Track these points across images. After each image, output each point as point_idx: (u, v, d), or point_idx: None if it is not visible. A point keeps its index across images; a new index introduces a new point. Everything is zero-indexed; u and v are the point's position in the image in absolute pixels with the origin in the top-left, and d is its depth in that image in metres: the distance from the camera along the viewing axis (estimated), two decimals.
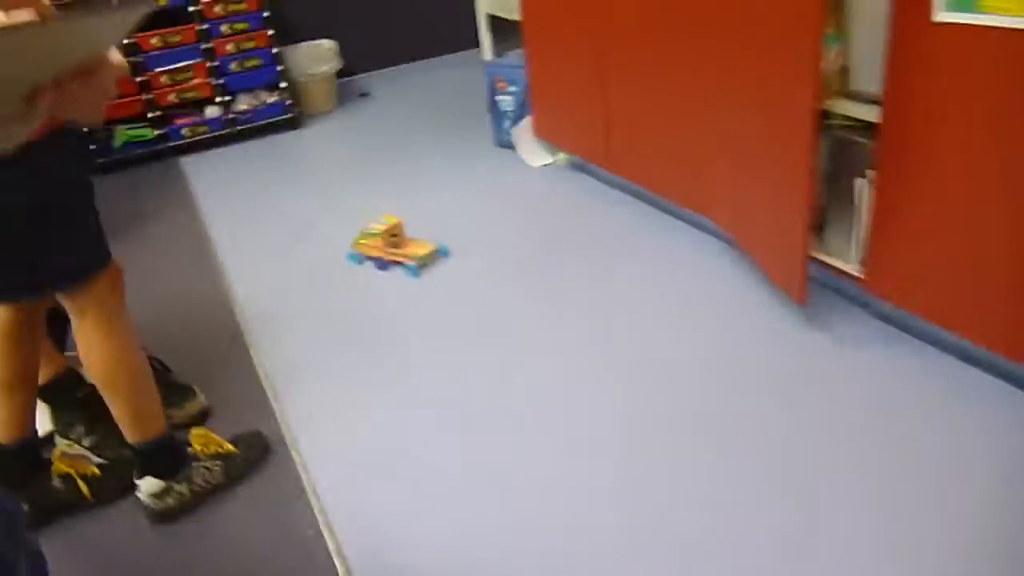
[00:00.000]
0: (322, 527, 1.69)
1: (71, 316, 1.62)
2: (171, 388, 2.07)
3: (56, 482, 1.76)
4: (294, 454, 1.91)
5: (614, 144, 2.84)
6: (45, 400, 1.96)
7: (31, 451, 1.75)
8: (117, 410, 1.69)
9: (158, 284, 2.85)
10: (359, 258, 2.77)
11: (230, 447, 1.85)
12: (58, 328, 1.98)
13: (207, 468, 1.80)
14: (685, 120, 2.46)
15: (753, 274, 2.38)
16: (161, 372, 2.11)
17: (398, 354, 2.25)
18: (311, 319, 2.49)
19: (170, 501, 1.75)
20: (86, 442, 1.96)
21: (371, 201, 3.27)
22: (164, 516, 1.76)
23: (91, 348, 1.62)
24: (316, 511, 1.73)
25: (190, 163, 4.04)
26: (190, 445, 1.82)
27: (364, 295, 2.59)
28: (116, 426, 1.97)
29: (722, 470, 1.72)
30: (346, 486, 1.80)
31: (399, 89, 4.63)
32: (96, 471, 1.83)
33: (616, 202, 2.98)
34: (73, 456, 1.80)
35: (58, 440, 1.98)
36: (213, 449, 1.83)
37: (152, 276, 2.92)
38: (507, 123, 3.50)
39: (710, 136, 2.36)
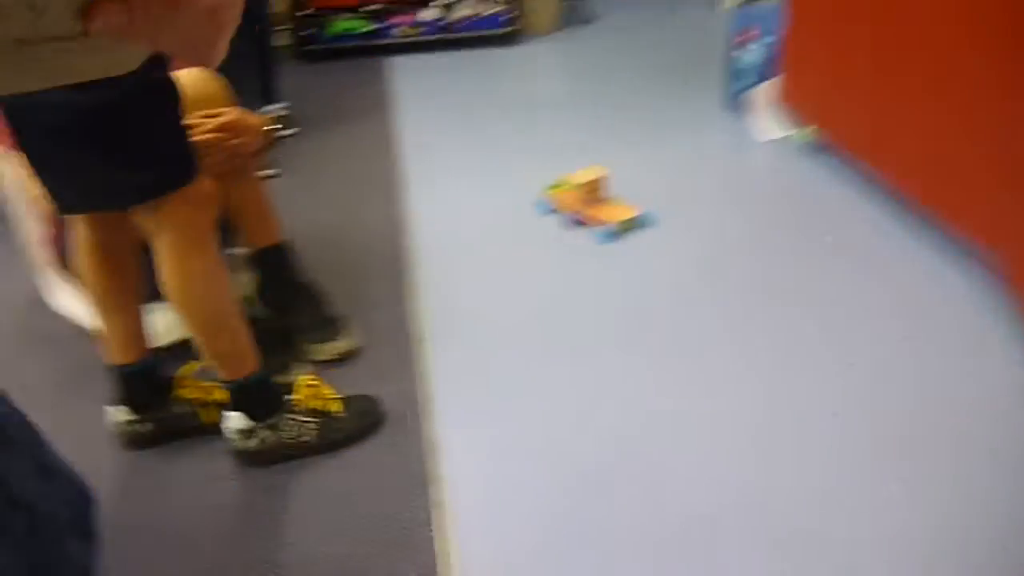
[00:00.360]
0: (433, 522, 1.45)
1: (148, 239, 1.42)
2: (321, 321, 1.89)
3: (177, 407, 1.62)
4: (425, 426, 1.67)
5: (878, 131, 2.35)
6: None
7: (148, 373, 1.60)
8: (197, 343, 1.50)
9: (333, 192, 2.69)
10: (549, 208, 2.47)
11: (337, 408, 1.63)
12: None
13: (301, 423, 1.59)
14: (978, 130, 1.94)
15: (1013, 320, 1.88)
16: (314, 300, 1.92)
17: (569, 330, 1.95)
18: (485, 269, 2.23)
19: (252, 444, 1.56)
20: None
21: (575, 143, 2.95)
22: (246, 457, 1.59)
23: (165, 273, 1.41)
24: (432, 504, 1.49)
25: (397, 65, 3.86)
26: (292, 393, 1.61)
27: (547, 252, 2.30)
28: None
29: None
30: (476, 480, 1.55)
31: (628, 22, 4.21)
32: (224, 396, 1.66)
33: (857, 197, 2.49)
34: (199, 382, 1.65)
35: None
36: (316, 404, 1.61)
37: (328, 183, 2.76)
38: (744, 82, 3.04)
39: (1005, 158, 1.84)
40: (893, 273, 2.13)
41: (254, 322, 1.86)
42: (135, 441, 1.64)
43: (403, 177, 2.74)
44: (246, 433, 1.55)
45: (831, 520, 1.43)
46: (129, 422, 1.62)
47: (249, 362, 1.53)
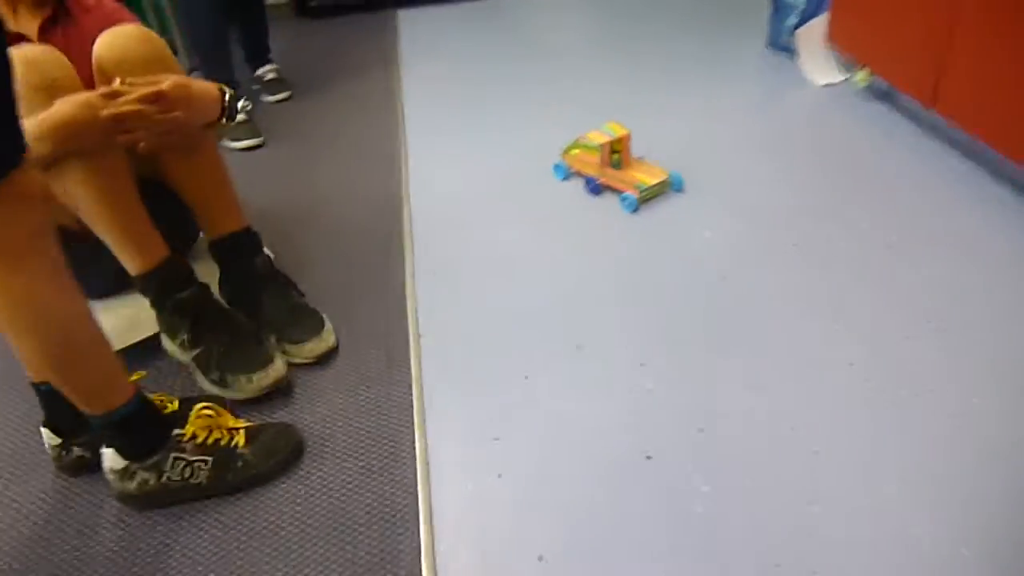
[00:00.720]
0: (423, 545, 1.18)
1: None
2: (293, 317, 1.61)
3: None
4: (418, 443, 1.39)
5: (949, 77, 1.98)
6: (143, 293, 1.56)
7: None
8: (45, 375, 1.22)
9: (324, 163, 2.40)
10: (566, 171, 2.15)
11: (241, 441, 1.34)
12: (163, 208, 1.54)
13: (190, 462, 1.29)
14: None
15: None
16: (284, 294, 1.65)
17: (589, 320, 1.65)
18: (494, 247, 1.92)
19: (131, 486, 1.28)
20: (186, 357, 1.55)
21: (598, 97, 2.62)
22: (127, 500, 1.31)
23: None
24: (423, 546, 1.21)
25: (406, 18, 3.54)
26: (184, 423, 1.32)
27: (564, 224, 1.98)
28: (230, 341, 1.55)
29: None
30: (476, 511, 1.27)
31: None
32: (175, 407, 1.39)
33: (927, 151, 2.13)
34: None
35: (164, 342, 1.59)
36: (214, 438, 1.32)
37: (319, 153, 2.47)
38: (792, 19, 2.67)
39: None
40: (975, 245, 1.78)
41: (223, 316, 1.62)
42: (66, 468, 1.39)
43: (405, 144, 2.44)
44: (123, 473, 1.27)
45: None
46: (55, 446, 1.37)
47: (118, 393, 1.23)
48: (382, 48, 3.21)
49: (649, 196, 2.01)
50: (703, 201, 2.01)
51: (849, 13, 2.37)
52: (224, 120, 1.54)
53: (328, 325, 1.63)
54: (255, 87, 2.87)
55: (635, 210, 1.98)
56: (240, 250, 1.63)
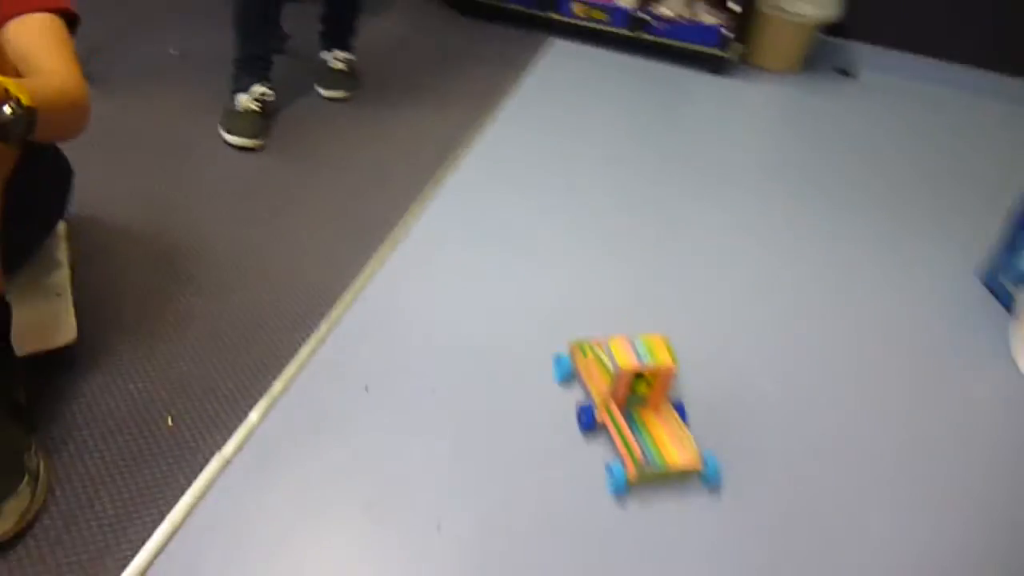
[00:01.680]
0: None
1: None
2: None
3: None
4: None
5: None
6: None
7: None
8: None
9: (299, 209, 1.77)
10: (568, 372, 1.41)
11: None
12: None
13: None
14: None
15: None
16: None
17: None
18: (388, 440, 1.23)
19: None
20: None
21: (709, 272, 1.83)
22: None
23: None
24: None
25: (557, 51, 2.84)
26: None
27: (513, 458, 1.26)
28: None
29: None
30: None
31: (907, 93, 2.88)
32: None
33: None
34: None
35: None
36: None
37: (306, 193, 1.84)
38: None
39: None
40: None
41: None
42: None
43: (404, 228, 1.76)
44: None
45: None
46: None
47: None
48: (496, 78, 2.53)
49: (654, 480, 1.24)
50: (738, 520, 1.22)
51: None
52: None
53: (27, 489, 1.00)
54: (318, 71, 2.27)
55: (622, 492, 1.22)
56: None
